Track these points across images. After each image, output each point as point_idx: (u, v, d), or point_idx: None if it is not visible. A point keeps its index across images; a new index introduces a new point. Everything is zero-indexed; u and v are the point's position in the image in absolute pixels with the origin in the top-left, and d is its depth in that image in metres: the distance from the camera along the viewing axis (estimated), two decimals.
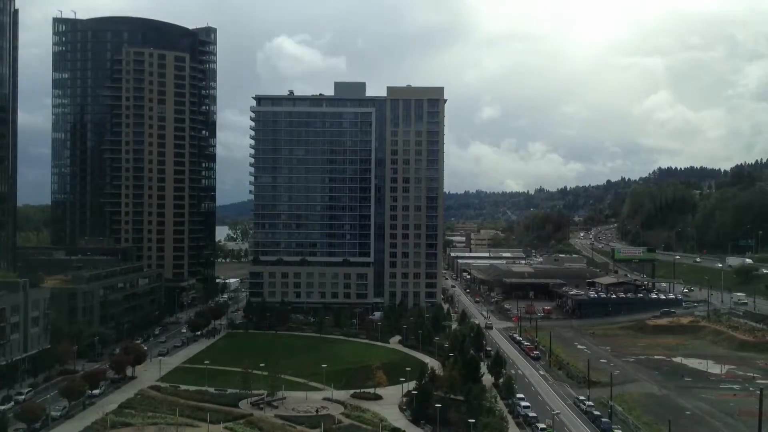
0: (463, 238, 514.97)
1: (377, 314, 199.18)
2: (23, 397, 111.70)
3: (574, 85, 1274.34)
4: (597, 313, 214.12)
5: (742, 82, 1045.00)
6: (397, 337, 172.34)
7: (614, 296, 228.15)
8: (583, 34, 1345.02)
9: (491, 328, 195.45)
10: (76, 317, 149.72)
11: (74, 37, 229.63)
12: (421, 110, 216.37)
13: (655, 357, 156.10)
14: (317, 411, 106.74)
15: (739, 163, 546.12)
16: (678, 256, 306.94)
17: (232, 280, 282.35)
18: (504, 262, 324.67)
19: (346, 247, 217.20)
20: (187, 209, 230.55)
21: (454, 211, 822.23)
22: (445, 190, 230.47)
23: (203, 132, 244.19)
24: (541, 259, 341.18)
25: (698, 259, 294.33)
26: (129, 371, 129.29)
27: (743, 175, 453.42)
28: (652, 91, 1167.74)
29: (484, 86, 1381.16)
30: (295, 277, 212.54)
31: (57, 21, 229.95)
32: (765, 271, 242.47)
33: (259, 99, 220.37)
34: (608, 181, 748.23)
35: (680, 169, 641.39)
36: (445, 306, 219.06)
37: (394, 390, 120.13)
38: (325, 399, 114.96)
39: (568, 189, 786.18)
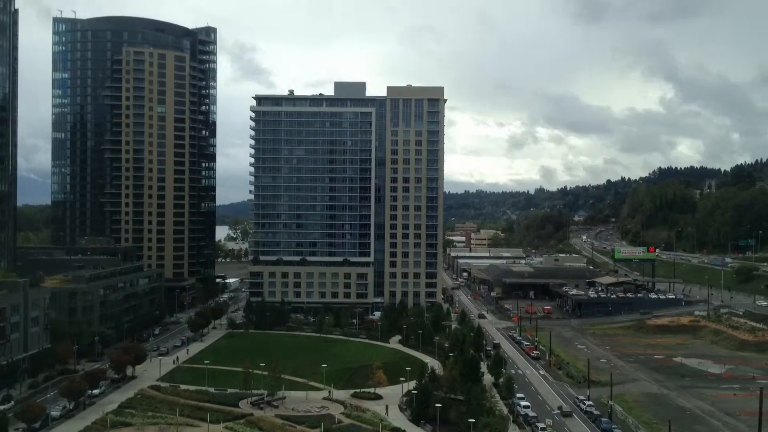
0: (463, 238, 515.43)
1: (377, 314, 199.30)
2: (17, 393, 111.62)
3: None
4: (597, 313, 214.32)
5: None
6: (397, 337, 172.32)
7: (614, 296, 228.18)
8: None
9: (484, 317, 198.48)
10: (76, 317, 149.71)
11: (74, 37, 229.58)
12: (421, 110, 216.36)
13: (655, 357, 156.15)
14: (318, 411, 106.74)
15: (739, 163, 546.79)
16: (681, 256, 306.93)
17: (232, 280, 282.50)
18: (504, 262, 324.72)
19: (346, 247, 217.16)
20: (187, 209, 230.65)
21: (454, 211, 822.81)
22: (445, 190, 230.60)
23: (203, 132, 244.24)
24: (541, 259, 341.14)
25: (705, 260, 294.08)
26: (129, 371, 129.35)
27: (743, 175, 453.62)
28: None
29: None
30: (295, 277, 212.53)
31: (57, 21, 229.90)
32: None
33: (260, 99, 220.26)
34: (608, 181, 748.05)
35: (680, 168, 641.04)
36: (445, 306, 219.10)
37: (394, 390, 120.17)
38: (325, 399, 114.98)
39: (568, 189, 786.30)
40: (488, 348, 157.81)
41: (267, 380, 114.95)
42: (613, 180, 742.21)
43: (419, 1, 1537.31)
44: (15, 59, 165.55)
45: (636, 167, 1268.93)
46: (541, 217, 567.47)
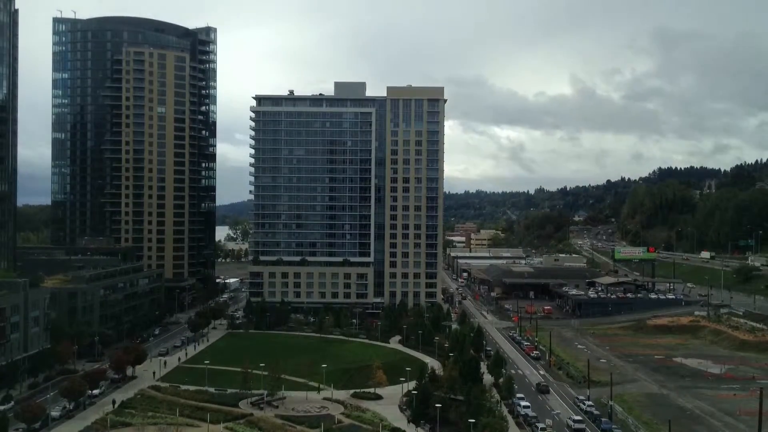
0: (463, 238, 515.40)
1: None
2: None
3: None
4: (597, 313, 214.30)
5: None
6: (397, 337, 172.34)
7: (614, 296, 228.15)
8: None
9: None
10: (76, 317, 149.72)
11: (74, 37, 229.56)
12: (421, 110, 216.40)
13: (655, 357, 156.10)
14: (317, 411, 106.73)
15: (739, 164, 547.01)
16: (684, 256, 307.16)
17: (232, 280, 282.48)
18: (504, 262, 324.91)
19: (346, 247, 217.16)
20: (187, 209, 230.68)
21: (454, 211, 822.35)
22: (445, 190, 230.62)
23: (203, 132, 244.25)
24: (541, 259, 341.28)
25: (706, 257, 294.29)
26: (129, 371, 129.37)
27: (743, 175, 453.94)
28: None
29: None
30: (295, 277, 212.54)
31: (57, 21, 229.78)
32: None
33: (260, 99, 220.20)
34: (608, 181, 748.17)
35: (680, 169, 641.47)
36: (445, 306, 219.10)
37: (394, 390, 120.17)
38: (325, 399, 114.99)
39: (568, 189, 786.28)
40: (488, 348, 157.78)
41: (267, 380, 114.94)
42: (613, 180, 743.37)
43: None
44: (15, 59, 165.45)
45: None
46: (541, 217, 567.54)
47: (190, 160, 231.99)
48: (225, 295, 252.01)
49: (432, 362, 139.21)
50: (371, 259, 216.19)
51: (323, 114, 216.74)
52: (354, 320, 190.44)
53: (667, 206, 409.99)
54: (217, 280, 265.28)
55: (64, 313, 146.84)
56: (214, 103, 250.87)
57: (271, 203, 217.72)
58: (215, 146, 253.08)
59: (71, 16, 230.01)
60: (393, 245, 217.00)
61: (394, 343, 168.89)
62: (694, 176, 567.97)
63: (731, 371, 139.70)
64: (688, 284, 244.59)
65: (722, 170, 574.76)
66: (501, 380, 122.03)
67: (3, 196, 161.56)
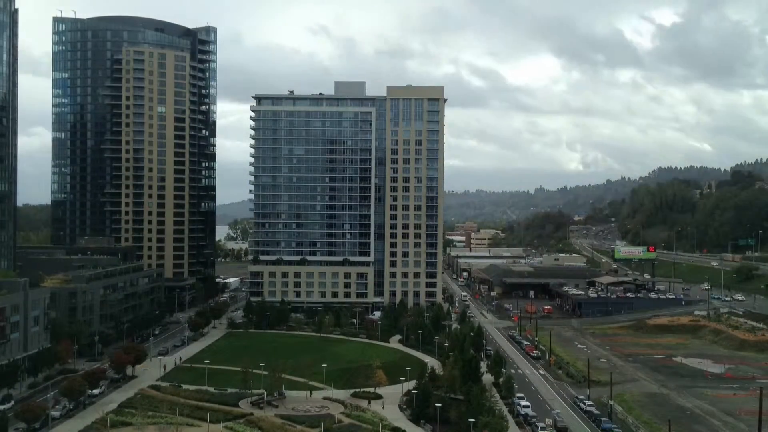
0: (463, 238, 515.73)
1: (377, 314, 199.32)
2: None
3: None
4: (597, 313, 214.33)
5: None
6: (397, 337, 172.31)
7: (614, 296, 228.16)
8: None
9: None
10: (76, 316, 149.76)
11: (74, 37, 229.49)
12: (421, 110, 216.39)
13: (655, 356, 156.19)
14: (317, 411, 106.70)
15: (739, 163, 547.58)
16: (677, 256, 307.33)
17: (232, 280, 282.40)
18: (504, 261, 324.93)
19: (346, 246, 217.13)
20: (187, 209, 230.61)
21: (454, 210, 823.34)
22: (445, 189, 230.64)
23: (203, 132, 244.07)
24: (541, 259, 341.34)
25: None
26: (129, 371, 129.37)
27: (743, 174, 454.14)
28: None
29: None
30: (295, 277, 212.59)
31: (57, 20, 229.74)
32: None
33: (259, 98, 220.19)
34: (608, 181, 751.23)
35: (680, 168, 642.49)
36: (445, 305, 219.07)
37: (394, 389, 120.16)
38: (325, 398, 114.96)
39: (568, 188, 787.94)
40: (488, 348, 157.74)
41: (267, 380, 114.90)
42: (613, 180, 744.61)
43: None
44: (15, 59, 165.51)
45: None
46: (541, 216, 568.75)
47: (190, 160, 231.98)
48: (225, 295, 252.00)
49: (432, 362, 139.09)
50: (371, 258, 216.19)
51: (323, 113, 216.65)
52: (354, 320, 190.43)
53: (667, 206, 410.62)
54: (217, 280, 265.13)
55: (64, 312, 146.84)
56: (214, 102, 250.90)
57: (271, 203, 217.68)
58: (215, 146, 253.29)
59: (71, 15, 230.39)
60: (393, 245, 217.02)
61: (394, 342, 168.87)
62: (694, 176, 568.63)
63: (731, 371, 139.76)
64: (683, 287, 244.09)
65: (722, 170, 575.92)
66: (501, 380, 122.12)
67: (3, 195, 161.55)
